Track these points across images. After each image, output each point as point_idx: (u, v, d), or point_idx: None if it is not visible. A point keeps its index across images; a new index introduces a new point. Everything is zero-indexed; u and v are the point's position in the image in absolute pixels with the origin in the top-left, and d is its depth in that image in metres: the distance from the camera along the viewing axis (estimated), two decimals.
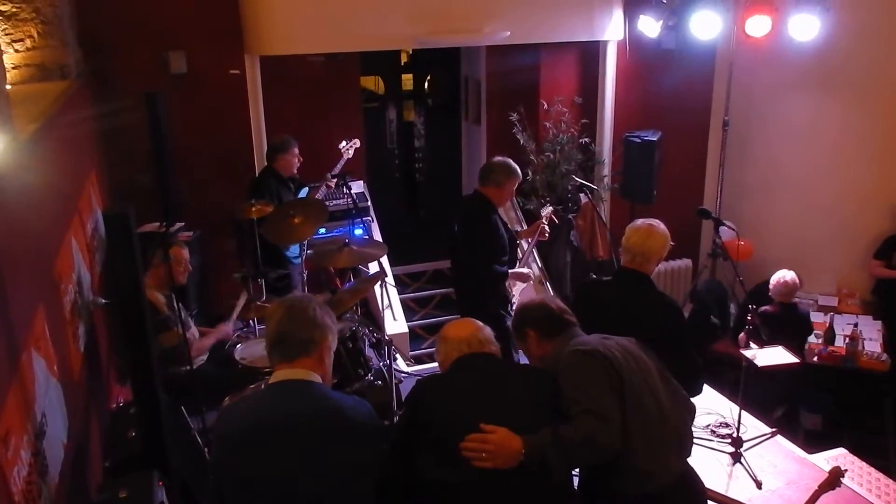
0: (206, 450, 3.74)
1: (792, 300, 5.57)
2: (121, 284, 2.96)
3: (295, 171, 5.74)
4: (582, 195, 6.57)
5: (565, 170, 6.89)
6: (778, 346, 3.86)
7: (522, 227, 6.85)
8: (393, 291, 6.00)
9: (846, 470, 3.12)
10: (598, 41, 6.83)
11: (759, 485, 3.31)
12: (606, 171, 7.14)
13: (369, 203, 6.66)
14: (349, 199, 5.73)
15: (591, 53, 7.07)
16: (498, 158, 4.63)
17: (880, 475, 3.50)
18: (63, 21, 4.63)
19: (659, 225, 3.32)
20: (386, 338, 4.77)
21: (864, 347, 5.42)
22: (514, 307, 4.52)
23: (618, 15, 6.68)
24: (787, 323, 5.44)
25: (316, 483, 2.15)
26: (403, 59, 8.88)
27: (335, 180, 5.84)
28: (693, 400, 2.84)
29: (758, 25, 5.85)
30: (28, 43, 4.38)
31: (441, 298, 7.27)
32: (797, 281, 5.52)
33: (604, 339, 2.69)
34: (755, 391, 3.66)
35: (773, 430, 3.73)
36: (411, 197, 9.17)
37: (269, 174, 5.62)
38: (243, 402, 2.33)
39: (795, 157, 6.76)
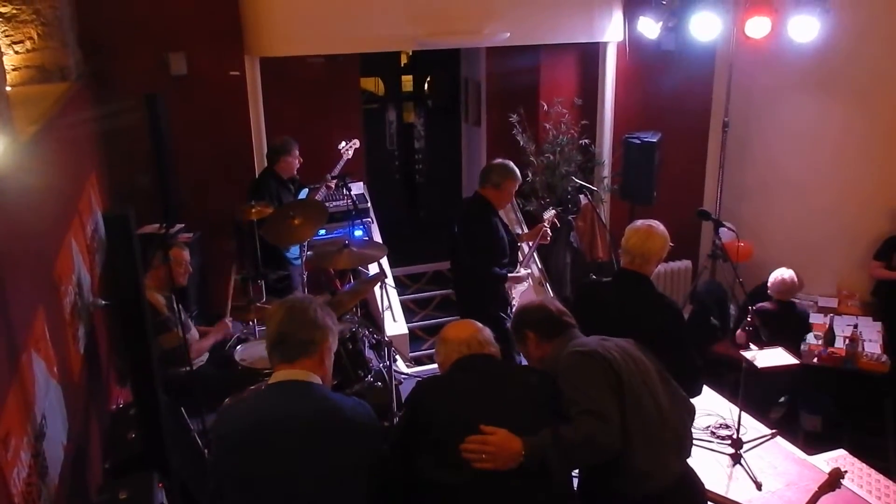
0: (206, 451, 3.74)
1: (790, 298, 5.57)
2: (121, 286, 2.96)
3: (295, 173, 5.74)
4: (582, 196, 6.57)
5: (565, 171, 6.90)
6: (778, 347, 3.86)
7: (522, 228, 6.86)
8: (393, 293, 6.00)
9: (846, 471, 3.12)
10: (597, 42, 6.83)
11: (758, 486, 3.31)
12: (606, 172, 7.14)
13: (369, 204, 6.66)
14: (349, 201, 5.73)
15: (590, 55, 7.07)
16: (497, 160, 4.64)
17: (880, 476, 3.50)
18: (63, 23, 4.63)
19: (658, 226, 3.33)
20: (386, 339, 4.77)
21: (863, 349, 5.41)
22: (513, 309, 4.52)
23: (617, 16, 6.69)
24: (784, 321, 5.45)
25: (315, 484, 2.15)
26: (403, 60, 8.88)
27: (335, 181, 5.84)
28: (693, 401, 2.84)
29: (757, 27, 5.85)
30: (28, 45, 4.38)
31: (441, 300, 7.28)
32: (795, 279, 5.52)
33: (603, 340, 2.69)
34: (755, 391, 3.66)
35: (773, 431, 3.73)
36: (411, 198, 9.17)
37: (269, 176, 5.62)
38: (243, 403, 2.34)
39: (795, 158, 6.76)
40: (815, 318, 5.89)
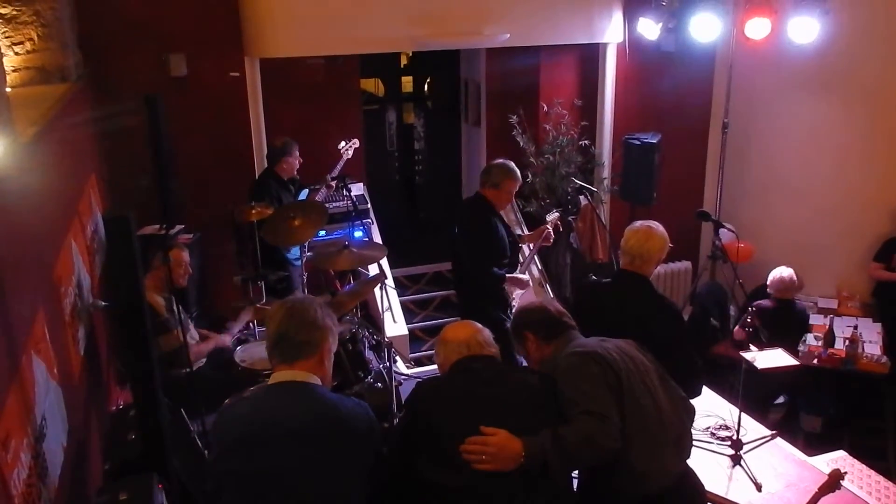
0: (205, 452, 3.74)
1: (790, 296, 5.58)
2: (121, 287, 2.96)
3: (295, 174, 5.75)
4: (581, 197, 6.58)
5: (565, 172, 6.90)
6: (777, 348, 3.86)
7: (522, 229, 6.86)
8: (393, 293, 6.00)
9: (846, 472, 3.12)
10: (597, 43, 6.83)
11: (758, 487, 3.31)
12: (606, 173, 7.14)
13: (369, 205, 6.66)
14: (349, 202, 5.73)
15: (590, 56, 7.07)
16: (498, 160, 4.64)
17: (880, 478, 3.50)
18: (63, 24, 4.63)
19: (657, 227, 3.33)
20: (386, 340, 4.77)
21: (863, 350, 5.42)
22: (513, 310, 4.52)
23: (617, 17, 6.69)
24: (783, 319, 5.46)
25: (313, 484, 2.15)
26: (403, 61, 8.89)
27: (335, 182, 5.85)
28: (693, 402, 2.84)
29: (757, 28, 5.85)
30: (28, 46, 4.38)
31: (441, 300, 7.28)
32: (795, 278, 5.52)
33: (602, 341, 2.70)
34: (752, 391, 3.66)
35: (773, 432, 3.73)
36: (411, 199, 9.18)
37: (269, 177, 5.62)
38: (242, 403, 2.34)
39: (795, 159, 6.77)
40: (815, 320, 5.90)
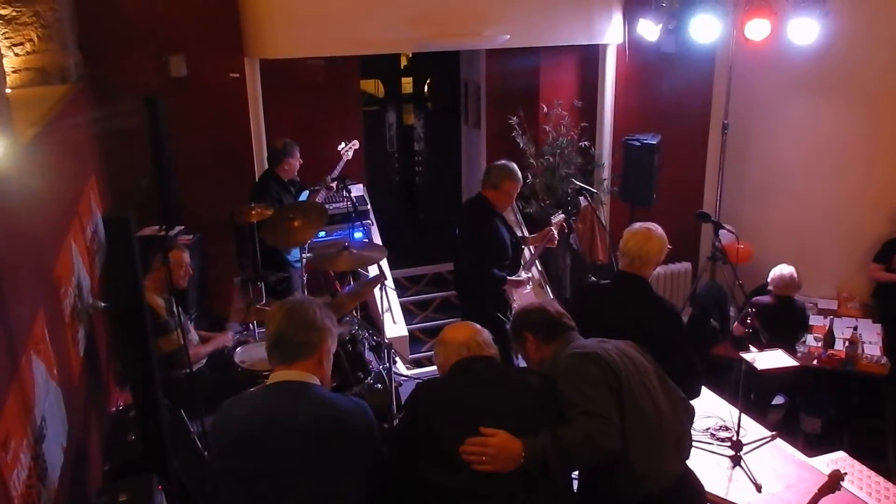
0: (205, 453, 3.74)
1: (789, 294, 5.59)
2: (120, 288, 2.96)
3: (296, 175, 5.75)
4: (581, 198, 6.57)
5: (565, 173, 6.90)
6: (777, 348, 3.87)
7: (522, 230, 6.86)
8: (392, 294, 6.00)
9: (846, 473, 3.12)
10: (597, 45, 6.84)
11: (758, 488, 3.31)
12: (606, 174, 7.14)
13: (369, 206, 6.66)
14: (349, 203, 5.74)
15: (590, 57, 7.08)
16: (500, 161, 4.64)
17: (880, 479, 3.50)
18: (63, 25, 4.64)
19: (656, 228, 3.33)
20: (385, 341, 4.77)
21: (863, 351, 5.42)
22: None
23: (617, 18, 6.70)
24: (782, 315, 5.48)
25: (313, 483, 2.15)
26: (403, 62, 8.89)
27: (335, 183, 5.85)
28: (693, 403, 2.84)
29: (757, 29, 5.85)
30: (28, 47, 4.39)
31: (441, 301, 7.28)
32: (795, 276, 5.54)
33: (602, 342, 2.70)
34: (750, 391, 3.66)
35: (773, 433, 3.73)
36: (411, 200, 9.18)
37: (270, 178, 5.62)
38: (241, 403, 2.34)
39: (794, 160, 6.77)
40: (815, 320, 5.90)
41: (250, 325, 5.09)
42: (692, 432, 2.81)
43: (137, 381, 3.12)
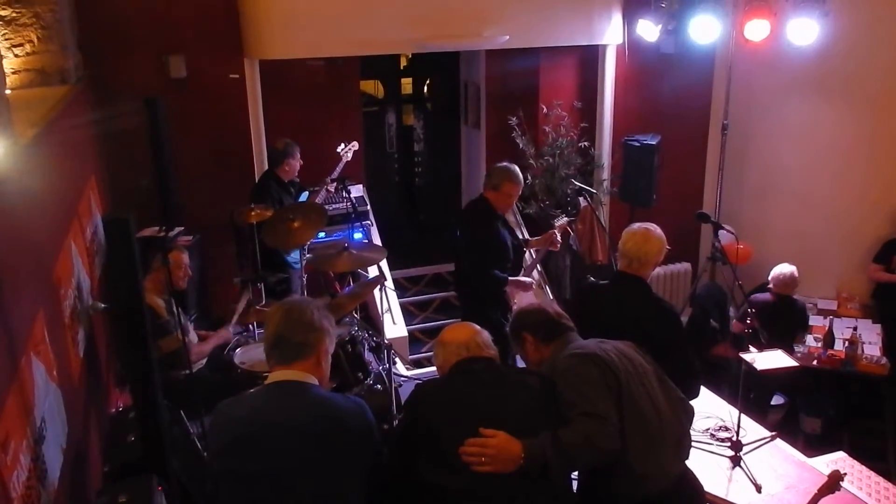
0: (205, 454, 3.74)
1: (789, 292, 5.59)
2: (120, 289, 2.96)
3: (296, 176, 5.75)
4: (581, 199, 6.58)
5: (564, 174, 6.90)
6: (777, 349, 3.87)
7: (522, 232, 6.86)
8: (392, 295, 6.00)
9: (846, 473, 3.12)
10: (597, 45, 6.84)
11: (758, 488, 3.31)
12: (606, 174, 7.14)
13: (369, 207, 6.66)
14: (349, 203, 5.74)
15: (590, 57, 7.08)
16: (502, 163, 4.62)
17: (880, 479, 3.50)
18: (63, 26, 4.64)
19: (655, 229, 3.34)
20: (385, 342, 4.77)
21: (863, 351, 5.42)
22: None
23: (617, 19, 6.70)
24: (782, 313, 5.50)
25: (312, 483, 2.15)
26: (403, 63, 8.89)
27: (335, 184, 5.85)
28: (692, 403, 2.84)
29: (756, 29, 5.85)
30: (28, 48, 4.39)
31: (440, 302, 7.28)
32: (796, 275, 5.56)
33: (601, 342, 2.70)
34: (749, 391, 3.67)
35: (773, 433, 3.73)
36: (410, 201, 9.17)
37: (270, 178, 5.63)
38: (239, 403, 2.34)
39: (794, 160, 6.77)
40: (815, 321, 5.91)
41: (250, 325, 5.09)
42: (692, 433, 2.81)
43: (137, 382, 3.12)
